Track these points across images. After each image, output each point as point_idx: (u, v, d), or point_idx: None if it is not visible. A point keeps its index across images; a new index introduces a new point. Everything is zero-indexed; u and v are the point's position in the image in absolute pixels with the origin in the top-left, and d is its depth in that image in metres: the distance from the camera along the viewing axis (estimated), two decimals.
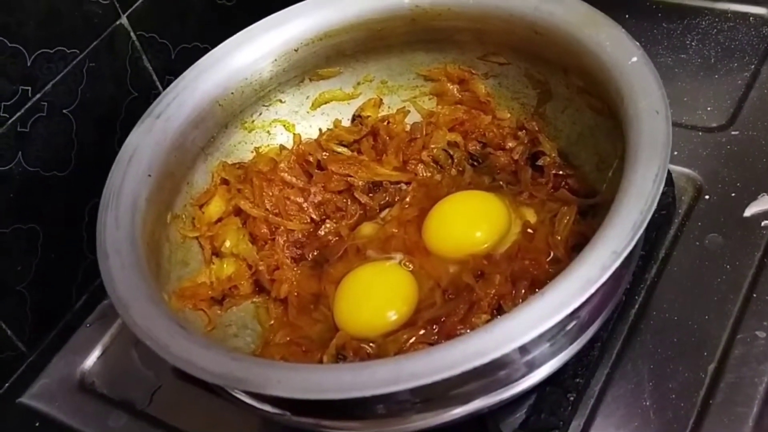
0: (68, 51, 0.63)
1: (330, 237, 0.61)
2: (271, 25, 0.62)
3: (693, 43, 0.71)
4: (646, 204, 0.44)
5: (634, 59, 0.51)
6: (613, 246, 0.43)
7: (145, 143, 0.56)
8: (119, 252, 0.49)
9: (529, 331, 0.41)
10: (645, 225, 0.43)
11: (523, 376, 0.48)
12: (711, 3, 0.73)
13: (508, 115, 0.63)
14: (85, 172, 0.66)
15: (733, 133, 0.63)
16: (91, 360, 0.64)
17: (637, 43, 0.52)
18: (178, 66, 0.62)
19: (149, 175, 0.54)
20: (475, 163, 0.63)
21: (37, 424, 0.61)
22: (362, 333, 0.53)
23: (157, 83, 0.72)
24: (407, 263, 0.57)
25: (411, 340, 0.51)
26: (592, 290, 0.42)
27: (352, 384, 0.42)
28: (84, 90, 0.65)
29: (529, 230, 0.56)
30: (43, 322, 0.66)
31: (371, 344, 0.52)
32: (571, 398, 0.51)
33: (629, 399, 0.52)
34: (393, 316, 0.53)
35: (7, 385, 0.64)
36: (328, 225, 0.61)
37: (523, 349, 0.46)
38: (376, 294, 0.55)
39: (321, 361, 0.52)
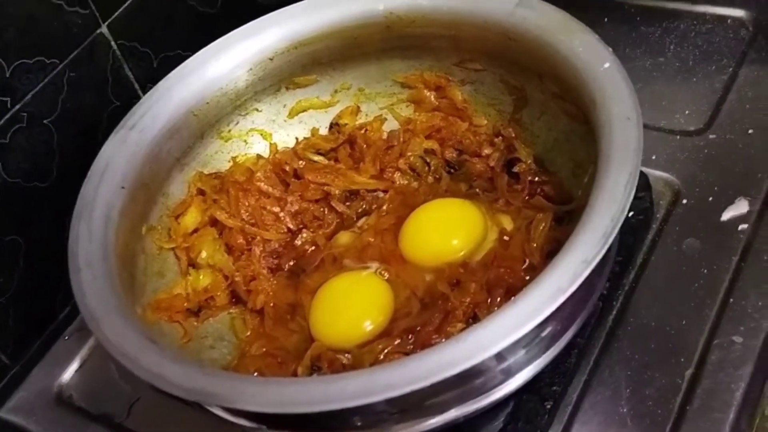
0: (48, 61, 0.63)
1: (307, 246, 0.60)
2: (245, 34, 0.62)
3: (671, 47, 0.71)
4: (617, 210, 0.44)
5: (607, 65, 0.51)
6: (584, 254, 0.43)
7: (119, 155, 0.56)
8: (91, 265, 0.49)
9: (501, 339, 0.41)
10: (616, 232, 0.43)
11: (500, 384, 0.48)
12: (689, 6, 0.73)
13: (485, 122, 0.62)
14: (67, 183, 0.65)
15: (710, 136, 0.63)
16: (69, 373, 0.64)
17: (610, 49, 0.52)
18: (161, 74, 0.61)
19: (123, 187, 0.54)
20: (452, 171, 0.62)
21: None
22: (338, 343, 0.53)
23: (139, 92, 0.72)
24: (383, 272, 0.57)
25: (386, 350, 0.51)
26: (563, 298, 0.42)
27: (325, 397, 0.42)
28: (65, 100, 0.65)
29: (506, 237, 0.56)
30: (27, 333, 0.66)
31: (346, 355, 0.52)
32: (548, 406, 0.51)
33: (606, 406, 0.52)
34: (369, 326, 0.53)
35: None
36: (304, 234, 0.61)
37: (499, 357, 0.46)
38: (351, 304, 0.55)
39: (296, 373, 0.52)
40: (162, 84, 0.60)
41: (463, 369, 0.41)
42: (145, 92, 0.71)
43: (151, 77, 0.71)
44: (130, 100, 0.70)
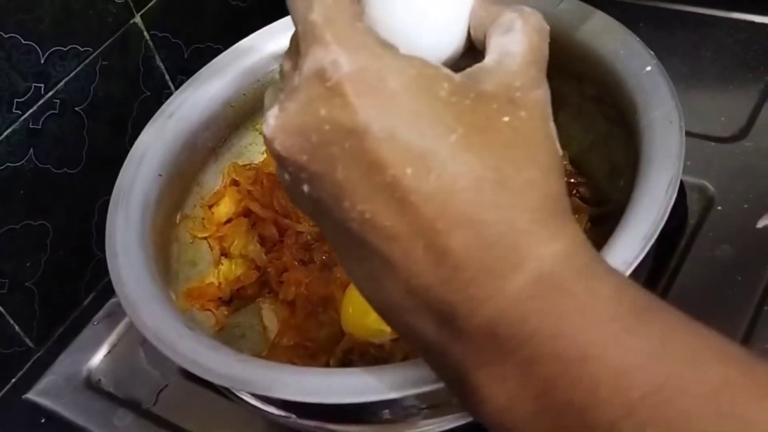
0: (82, 49, 0.63)
1: None
2: (284, 27, 0.62)
3: (708, 53, 0.70)
4: (658, 215, 0.44)
5: (648, 68, 0.51)
6: (623, 257, 0.43)
7: (157, 143, 0.56)
8: (128, 251, 0.49)
9: None
10: (656, 236, 0.43)
11: None
12: (727, 13, 0.72)
13: None
14: (96, 170, 0.66)
15: (746, 144, 0.63)
16: (98, 358, 0.64)
17: (652, 52, 0.52)
18: (191, 66, 0.62)
19: (160, 175, 0.55)
20: None
21: (42, 421, 0.61)
22: (369, 339, 0.53)
23: (170, 83, 0.72)
24: None
25: None
26: None
27: (358, 388, 0.42)
28: (96, 88, 0.65)
29: None
30: (51, 318, 0.67)
31: (378, 348, 0.52)
32: None
33: None
34: None
35: (14, 380, 0.64)
36: None
37: None
38: None
39: (328, 365, 0.52)
40: (200, 74, 0.60)
41: None
42: (175, 83, 0.72)
43: (182, 68, 0.71)
44: (161, 90, 0.71)
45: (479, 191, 0.29)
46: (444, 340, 0.30)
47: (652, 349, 0.27)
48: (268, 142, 0.32)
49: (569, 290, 0.28)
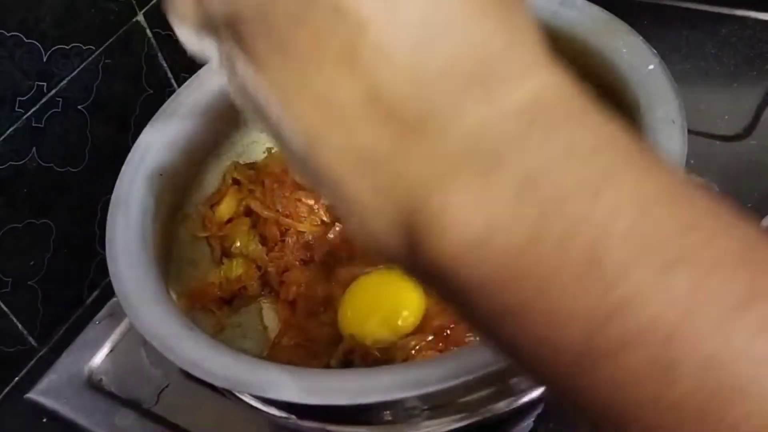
0: (84, 47, 0.63)
1: (340, 240, 0.60)
2: None
3: (712, 51, 0.70)
4: None
5: (651, 67, 0.50)
6: None
7: (158, 142, 0.56)
8: (129, 251, 0.49)
9: None
10: None
11: (532, 385, 0.47)
12: (731, 10, 0.72)
13: None
14: (99, 169, 0.66)
15: (751, 142, 0.63)
16: (100, 357, 0.64)
17: (655, 51, 0.51)
18: (194, 64, 0.61)
19: (161, 174, 0.54)
20: None
21: (44, 420, 0.61)
22: (366, 343, 0.53)
23: (172, 81, 0.72)
24: None
25: (419, 347, 0.51)
26: None
27: (358, 390, 0.42)
28: (99, 86, 0.65)
29: None
30: (54, 317, 0.67)
31: (380, 349, 0.52)
32: None
33: None
34: (400, 324, 0.53)
35: (16, 379, 0.65)
36: (338, 227, 0.61)
37: None
38: (383, 303, 0.54)
39: (328, 365, 0.52)
40: (202, 72, 0.60)
41: (499, 368, 0.41)
42: (178, 81, 0.72)
43: (185, 66, 0.71)
44: (164, 88, 0.71)
45: None
46: (402, 152, 0.23)
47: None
48: None
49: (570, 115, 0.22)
